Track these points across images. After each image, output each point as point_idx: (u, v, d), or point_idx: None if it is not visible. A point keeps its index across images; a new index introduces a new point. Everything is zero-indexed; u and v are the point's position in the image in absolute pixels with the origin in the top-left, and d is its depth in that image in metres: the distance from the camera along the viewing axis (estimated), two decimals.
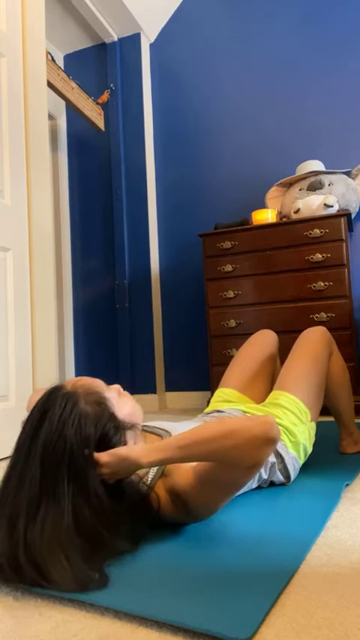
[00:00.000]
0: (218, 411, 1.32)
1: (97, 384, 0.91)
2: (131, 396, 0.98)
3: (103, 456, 0.81)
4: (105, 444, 0.83)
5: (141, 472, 0.93)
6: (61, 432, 0.80)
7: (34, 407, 0.85)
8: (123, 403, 0.93)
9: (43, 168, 2.11)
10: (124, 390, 0.98)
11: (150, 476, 0.93)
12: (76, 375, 3.31)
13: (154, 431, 1.08)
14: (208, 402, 1.75)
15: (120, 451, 0.81)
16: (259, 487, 1.20)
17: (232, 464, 0.81)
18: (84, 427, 0.81)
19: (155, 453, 0.80)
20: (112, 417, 0.87)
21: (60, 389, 0.87)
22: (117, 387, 0.96)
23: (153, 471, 0.93)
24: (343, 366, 1.43)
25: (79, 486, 0.79)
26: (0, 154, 1.89)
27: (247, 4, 3.07)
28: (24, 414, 1.51)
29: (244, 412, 1.28)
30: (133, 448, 0.81)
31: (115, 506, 0.82)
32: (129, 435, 0.90)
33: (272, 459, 1.17)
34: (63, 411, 0.82)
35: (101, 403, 0.87)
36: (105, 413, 0.86)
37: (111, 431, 0.85)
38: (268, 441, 0.79)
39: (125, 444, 0.88)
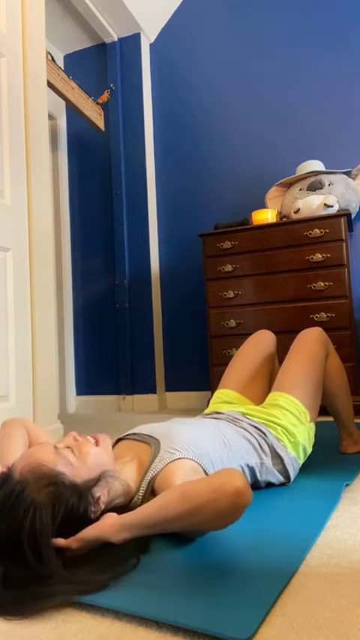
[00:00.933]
0: (218, 413, 1.32)
1: (46, 458, 0.85)
2: (88, 440, 0.93)
3: (72, 544, 0.79)
4: (75, 516, 0.82)
5: (130, 492, 0.94)
6: (17, 531, 0.76)
7: None
8: (83, 459, 0.88)
9: (43, 168, 2.11)
10: (79, 436, 0.93)
11: (140, 494, 0.94)
12: (76, 376, 3.31)
13: (143, 439, 1.07)
14: (208, 402, 1.75)
15: (88, 535, 0.80)
16: (258, 487, 1.20)
17: (206, 530, 0.82)
18: (39, 519, 0.77)
19: (124, 531, 0.79)
20: (72, 488, 0.83)
21: (7, 480, 0.82)
22: (70, 438, 0.92)
23: (143, 488, 0.94)
24: (340, 367, 1.43)
25: (41, 562, 0.76)
26: (0, 154, 1.89)
27: (247, 4, 3.06)
28: (24, 414, 1.50)
29: (244, 414, 1.28)
30: (101, 528, 0.80)
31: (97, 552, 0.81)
32: (98, 489, 0.87)
33: (268, 461, 1.17)
34: (13, 506, 0.78)
35: (55, 482, 0.82)
36: (62, 491, 0.82)
37: (75, 504, 0.82)
38: (239, 510, 0.75)
39: (98, 499, 0.86)
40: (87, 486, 0.85)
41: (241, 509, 0.75)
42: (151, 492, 0.94)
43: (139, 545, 0.83)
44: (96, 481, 0.87)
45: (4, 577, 0.73)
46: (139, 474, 0.98)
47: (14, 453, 1.01)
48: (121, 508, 0.91)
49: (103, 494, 0.87)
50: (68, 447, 0.89)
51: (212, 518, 0.76)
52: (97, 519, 0.85)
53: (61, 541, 0.79)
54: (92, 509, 0.85)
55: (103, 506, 0.87)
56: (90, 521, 0.84)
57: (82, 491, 0.84)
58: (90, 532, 0.80)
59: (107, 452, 0.94)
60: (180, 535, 0.90)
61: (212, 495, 0.74)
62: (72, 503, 0.82)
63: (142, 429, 1.13)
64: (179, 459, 0.96)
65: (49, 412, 2.04)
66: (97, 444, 0.94)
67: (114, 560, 0.79)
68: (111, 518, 0.82)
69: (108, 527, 0.80)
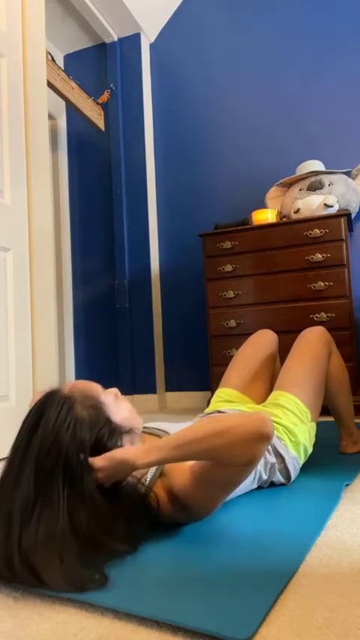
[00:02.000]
0: (218, 412, 1.31)
1: (94, 387, 0.91)
2: (128, 401, 0.98)
3: (98, 461, 0.81)
4: (100, 448, 0.84)
5: (138, 473, 0.93)
6: (55, 436, 0.80)
7: (30, 410, 0.85)
8: (120, 407, 0.92)
9: (43, 168, 2.11)
10: (121, 394, 0.98)
11: (148, 476, 0.93)
12: (76, 376, 3.31)
13: (153, 432, 1.08)
14: (208, 402, 1.75)
15: (115, 454, 0.81)
16: (259, 487, 1.20)
17: (228, 461, 0.82)
18: (79, 432, 0.81)
19: (151, 453, 0.80)
20: (108, 421, 0.87)
21: (56, 392, 0.86)
22: (114, 390, 0.97)
23: (151, 471, 0.93)
24: (342, 366, 1.43)
25: (74, 491, 0.79)
26: (0, 154, 1.89)
27: (247, 4, 3.06)
28: (24, 414, 1.51)
29: None
30: (129, 450, 0.82)
31: (112, 509, 0.82)
32: (125, 439, 0.90)
33: (272, 459, 1.17)
34: (58, 415, 0.82)
35: (97, 407, 0.87)
36: (101, 417, 0.86)
37: (106, 435, 0.85)
38: (262, 438, 0.79)
39: (121, 447, 0.88)
40: (119, 429, 0.89)
41: (265, 437, 0.79)
42: (160, 474, 0.93)
43: (132, 536, 0.83)
44: (127, 430, 0.90)
45: (70, 521, 0.76)
46: None
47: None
48: (129, 485, 0.90)
49: (127, 445, 0.89)
50: (112, 393, 0.94)
51: (237, 443, 0.78)
52: None
53: (90, 458, 0.81)
54: None
55: None
56: None
57: (116, 429, 0.87)
58: (117, 452, 0.82)
59: (138, 418, 0.98)
60: (180, 535, 0.90)
61: (241, 419, 0.80)
62: (103, 433, 0.85)
63: (150, 424, 1.14)
64: None
65: None
66: None
67: (106, 552, 0.80)
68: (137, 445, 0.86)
69: (135, 449, 0.82)
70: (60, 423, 0.81)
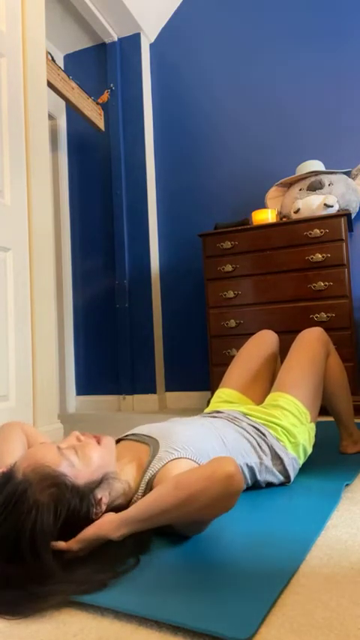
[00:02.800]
0: (218, 412, 1.31)
1: (49, 458, 0.85)
2: (92, 440, 0.93)
3: (73, 545, 0.79)
4: (76, 517, 0.82)
5: (130, 493, 0.94)
6: (18, 531, 0.76)
7: None
8: (86, 459, 0.88)
9: (43, 168, 2.11)
10: (82, 435, 0.93)
11: (139, 494, 0.94)
12: (76, 376, 3.31)
13: (142, 439, 1.06)
14: (208, 402, 1.75)
15: (88, 535, 0.80)
16: (258, 487, 1.20)
17: (201, 520, 0.83)
18: (40, 520, 0.77)
19: (122, 527, 0.80)
20: (74, 490, 0.83)
21: (10, 479, 0.81)
22: (73, 439, 0.92)
23: (142, 488, 0.94)
24: (340, 367, 1.43)
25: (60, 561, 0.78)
26: (0, 154, 1.89)
27: (247, 4, 3.06)
28: (24, 414, 1.50)
29: (244, 414, 1.28)
30: (100, 527, 0.80)
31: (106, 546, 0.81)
32: (100, 490, 0.87)
33: (267, 460, 1.17)
34: (15, 506, 0.77)
35: (57, 483, 0.82)
36: (65, 493, 0.81)
37: (77, 505, 0.82)
38: (232, 496, 0.77)
39: (99, 501, 0.86)
40: (89, 488, 0.85)
41: (234, 494, 0.77)
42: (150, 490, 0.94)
43: (138, 545, 0.83)
44: (98, 483, 0.87)
45: (2, 576, 0.73)
46: (139, 474, 0.98)
47: (13, 456, 1.01)
48: (121, 508, 0.91)
49: (104, 495, 0.88)
50: (71, 448, 0.89)
51: (207, 506, 0.77)
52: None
53: (61, 544, 0.79)
54: (94, 510, 0.85)
55: (104, 508, 0.87)
56: (91, 523, 0.84)
57: (85, 493, 0.84)
58: (89, 531, 0.80)
59: (110, 452, 0.94)
60: (179, 534, 0.90)
61: (205, 483, 0.76)
62: (74, 504, 0.82)
63: (141, 429, 1.12)
64: (177, 458, 0.96)
65: (49, 412, 2.04)
66: (99, 443, 0.93)
67: (113, 560, 0.79)
68: (109, 516, 0.83)
69: (107, 524, 0.80)
70: (19, 516, 0.77)
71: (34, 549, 0.75)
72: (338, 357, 1.44)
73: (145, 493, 0.94)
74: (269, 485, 1.21)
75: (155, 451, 0.99)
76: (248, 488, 1.19)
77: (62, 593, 0.71)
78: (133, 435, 1.11)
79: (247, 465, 1.13)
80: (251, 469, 1.15)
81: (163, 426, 1.13)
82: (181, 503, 0.77)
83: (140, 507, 0.80)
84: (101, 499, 0.86)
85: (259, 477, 1.16)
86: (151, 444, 1.03)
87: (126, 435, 1.13)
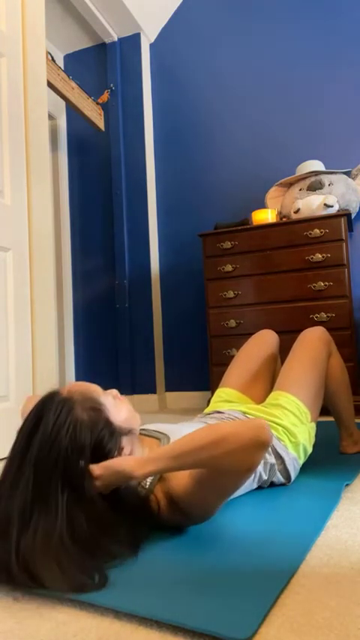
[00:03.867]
0: (218, 412, 1.31)
1: (94, 389, 0.91)
2: (128, 402, 0.97)
3: (96, 469, 0.80)
4: (100, 450, 0.83)
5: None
6: (55, 439, 0.79)
7: (30, 412, 0.85)
8: (119, 409, 0.92)
9: (43, 168, 2.11)
10: (120, 394, 0.98)
11: (148, 479, 0.93)
12: (76, 376, 3.31)
13: (152, 434, 1.07)
14: (209, 402, 1.75)
15: (113, 464, 0.80)
16: (259, 487, 1.20)
17: (227, 469, 0.82)
18: (79, 435, 0.81)
19: (148, 464, 0.80)
20: (108, 423, 0.86)
21: (56, 395, 0.86)
22: (113, 392, 0.96)
23: (150, 477, 0.93)
24: (342, 367, 1.43)
25: (73, 494, 0.78)
26: (0, 153, 1.89)
27: (247, 3, 3.06)
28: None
29: (245, 413, 1.28)
30: (126, 460, 0.81)
31: (112, 512, 0.81)
32: (125, 440, 0.89)
33: (272, 460, 1.17)
34: (58, 417, 0.81)
35: (97, 409, 0.86)
36: (100, 419, 0.85)
37: (106, 437, 0.84)
38: (260, 446, 0.79)
39: (121, 450, 0.87)
40: (119, 431, 0.88)
41: (263, 444, 0.79)
42: (160, 477, 0.93)
43: (134, 537, 0.83)
44: (127, 432, 0.90)
45: (69, 525, 0.75)
46: None
47: None
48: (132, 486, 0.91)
49: (126, 447, 0.89)
50: (111, 395, 0.93)
51: (235, 451, 0.78)
52: None
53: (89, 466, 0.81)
54: (114, 455, 0.86)
55: None
56: None
57: (115, 432, 0.87)
58: (115, 461, 0.81)
59: (137, 419, 0.97)
60: (180, 535, 0.90)
61: (237, 428, 0.79)
62: (103, 436, 0.84)
63: (149, 426, 1.14)
64: None
65: None
66: None
67: (108, 552, 0.79)
68: (133, 456, 0.84)
69: (133, 459, 0.81)
70: (59, 425, 0.80)
71: (67, 463, 0.78)
72: (340, 357, 1.44)
73: (154, 479, 0.93)
74: (269, 485, 1.21)
75: (167, 443, 1.00)
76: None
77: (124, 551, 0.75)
78: (142, 429, 1.11)
79: None
80: (256, 470, 1.14)
81: (169, 424, 1.14)
82: (213, 443, 0.78)
83: (171, 446, 0.82)
84: (123, 449, 0.88)
85: (264, 477, 1.16)
86: (162, 438, 1.04)
87: None
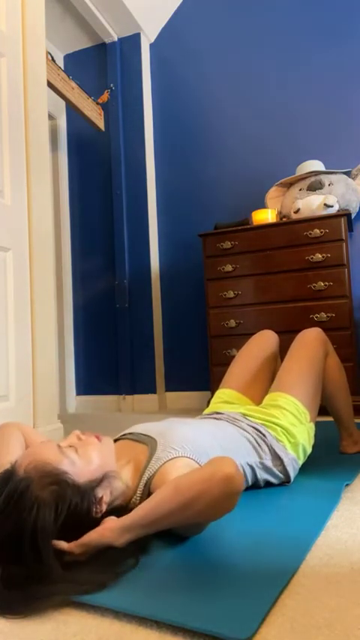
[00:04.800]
0: (218, 413, 1.31)
1: (50, 455, 0.85)
2: (93, 439, 0.93)
3: (74, 549, 0.79)
4: (78, 515, 0.82)
5: (128, 493, 0.94)
6: (19, 528, 0.76)
7: None
8: (86, 458, 0.89)
9: (43, 168, 2.11)
10: (83, 434, 0.94)
11: (138, 494, 0.94)
12: (76, 376, 3.31)
13: (140, 438, 1.06)
14: (208, 402, 1.75)
15: (91, 541, 0.79)
16: (258, 487, 1.20)
17: (203, 522, 0.83)
18: (42, 518, 0.77)
19: (126, 533, 0.79)
20: (75, 488, 0.83)
21: (11, 477, 0.82)
22: (73, 439, 0.92)
23: (140, 489, 0.94)
24: (339, 367, 1.43)
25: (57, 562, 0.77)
26: (0, 153, 1.89)
27: (247, 3, 3.06)
28: (24, 415, 1.49)
29: (244, 415, 1.28)
30: (104, 534, 0.79)
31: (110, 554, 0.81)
32: (100, 489, 0.87)
33: (268, 460, 1.17)
34: (17, 503, 0.78)
35: (58, 481, 0.82)
36: (66, 490, 0.82)
37: (79, 502, 0.82)
38: (233, 495, 0.76)
39: (100, 499, 0.86)
40: (90, 486, 0.85)
41: (234, 495, 0.76)
42: (149, 493, 0.94)
43: (138, 546, 0.83)
44: (99, 481, 0.87)
45: (2, 576, 0.73)
46: (137, 475, 0.97)
47: (12, 455, 1.01)
48: (120, 509, 0.91)
49: (105, 494, 0.87)
50: (72, 447, 0.90)
51: (207, 508, 0.77)
52: (98, 519, 0.84)
53: (63, 544, 0.79)
54: (95, 509, 0.85)
55: (105, 507, 0.87)
56: (92, 521, 0.83)
57: (86, 491, 0.84)
58: (92, 537, 0.80)
59: (110, 452, 0.95)
60: (179, 535, 0.90)
61: (204, 485, 0.76)
62: (75, 502, 0.82)
63: (138, 428, 1.12)
64: (175, 457, 0.96)
65: (49, 412, 2.04)
66: (99, 442, 0.94)
67: (113, 561, 0.79)
68: (111, 522, 0.82)
69: (109, 531, 0.80)
70: (20, 513, 0.77)
71: (34, 547, 0.75)
72: (337, 357, 1.44)
73: (143, 493, 0.94)
74: (269, 485, 1.21)
75: (153, 451, 0.99)
76: (248, 488, 1.19)
77: (62, 594, 0.71)
78: (130, 434, 1.10)
79: (248, 463, 1.13)
80: (251, 468, 1.15)
81: (160, 424, 1.12)
82: (182, 507, 0.77)
83: (141, 513, 0.80)
84: (102, 498, 0.86)
85: (259, 476, 1.16)
86: (149, 443, 1.03)
87: (123, 434, 1.12)
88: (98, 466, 0.89)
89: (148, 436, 1.06)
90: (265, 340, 1.53)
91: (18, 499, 0.78)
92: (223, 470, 0.76)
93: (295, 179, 2.66)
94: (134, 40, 3.23)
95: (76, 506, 0.81)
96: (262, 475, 1.17)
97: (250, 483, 1.17)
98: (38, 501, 0.78)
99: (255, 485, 1.19)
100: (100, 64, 3.35)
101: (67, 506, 0.80)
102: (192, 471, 0.81)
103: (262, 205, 2.91)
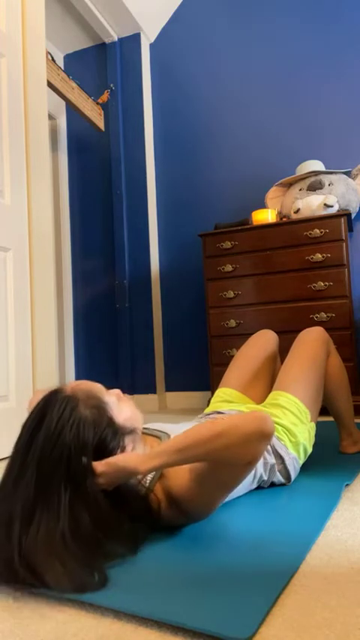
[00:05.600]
0: (218, 412, 1.31)
1: (97, 387, 0.91)
2: (131, 401, 0.97)
3: (99, 466, 0.80)
4: (103, 448, 0.83)
5: (140, 477, 0.94)
6: (58, 436, 0.79)
7: (33, 409, 0.85)
8: (122, 408, 0.92)
9: (43, 168, 2.11)
10: (123, 393, 0.98)
11: (148, 478, 0.93)
12: (76, 376, 3.31)
13: (154, 433, 1.07)
14: (209, 402, 1.75)
15: (117, 461, 0.80)
16: (259, 487, 1.20)
17: (229, 462, 0.82)
18: (82, 432, 0.81)
19: (152, 459, 0.80)
20: (111, 421, 0.86)
21: (59, 392, 0.86)
22: (117, 391, 0.96)
23: (150, 474, 0.93)
24: (341, 366, 1.43)
25: (75, 492, 0.78)
26: (0, 153, 1.89)
27: (248, 3, 3.06)
28: (24, 414, 1.50)
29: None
30: (130, 456, 0.81)
31: (114, 511, 0.81)
32: (128, 439, 0.89)
33: (272, 460, 1.17)
34: (62, 415, 0.81)
35: (100, 407, 0.86)
36: (104, 418, 0.85)
37: (109, 436, 0.84)
38: (263, 436, 0.79)
39: (124, 448, 0.87)
40: (122, 430, 0.88)
41: (266, 436, 0.79)
42: (160, 475, 0.93)
43: (134, 536, 0.83)
44: (129, 430, 0.90)
45: (71, 523, 0.75)
46: None
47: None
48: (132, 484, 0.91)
49: (129, 446, 0.89)
50: (114, 394, 0.94)
51: (238, 443, 0.79)
52: None
53: (92, 463, 0.81)
54: (118, 452, 0.86)
55: None
56: None
57: (118, 431, 0.87)
58: (118, 457, 0.81)
59: (141, 417, 0.97)
60: (180, 535, 0.90)
61: (240, 420, 0.80)
62: (106, 433, 0.84)
63: (151, 425, 1.14)
64: None
65: None
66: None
67: (109, 550, 0.79)
68: (136, 452, 0.85)
69: (136, 455, 0.81)
70: (63, 423, 0.81)
71: (70, 460, 0.78)
72: (339, 356, 1.44)
73: (155, 475, 0.93)
74: (269, 485, 1.21)
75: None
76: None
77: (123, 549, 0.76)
78: (144, 428, 1.11)
79: None
80: (256, 470, 1.14)
81: (170, 424, 1.14)
82: (216, 435, 0.78)
83: (174, 439, 0.81)
84: (126, 447, 0.88)
85: (264, 477, 1.16)
86: (162, 436, 1.05)
87: None
88: (131, 418, 0.92)
89: (162, 431, 1.08)
90: (264, 340, 1.53)
91: (63, 410, 0.82)
92: (258, 413, 0.81)
93: (295, 179, 2.66)
94: (134, 40, 3.23)
95: (106, 437, 0.84)
96: (266, 475, 1.17)
97: (254, 484, 1.16)
98: (80, 416, 0.82)
99: (257, 487, 1.19)
100: (100, 64, 3.35)
101: (100, 432, 0.83)
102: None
103: (262, 205, 2.91)
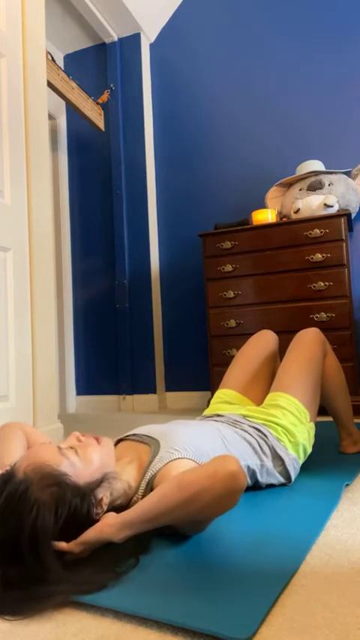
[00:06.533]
0: (218, 415, 1.31)
1: (49, 457, 0.85)
2: (91, 439, 0.93)
3: (74, 548, 0.79)
4: (79, 516, 0.81)
5: (130, 492, 0.94)
6: (19, 530, 0.76)
7: None
8: (86, 459, 0.88)
9: (43, 168, 2.11)
10: (82, 434, 0.93)
11: (140, 493, 0.94)
12: (76, 376, 3.31)
13: (143, 440, 1.06)
14: (208, 402, 1.75)
15: (90, 537, 0.79)
16: (258, 488, 1.20)
17: (204, 519, 0.83)
18: (41, 519, 0.77)
19: (126, 529, 0.79)
20: (75, 490, 0.82)
21: (10, 479, 0.81)
22: (73, 440, 0.92)
23: (142, 488, 0.94)
24: (337, 367, 1.43)
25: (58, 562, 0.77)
26: (0, 153, 1.89)
27: (247, 4, 3.06)
28: (24, 414, 1.49)
29: (244, 416, 1.28)
30: (102, 529, 0.79)
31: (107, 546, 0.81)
32: (100, 490, 0.87)
33: (269, 463, 1.17)
34: (16, 505, 0.77)
35: (58, 483, 0.82)
36: (66, 492, 0.81)
37: (78, 504, 0.82)
38: (235, 493, 0.77)
39: (100, 500, 0.86)
40: (90, 488, 0.85)
41: (237, 492, 0.77)
42: (151, 490, 0.94)
43: (138, 545, 0.83)
44: (99, 482, 0.87)
45: (2, 577, 0.73)
46: (139, 474, 0.98)
47: (13, 456, 1.01)
48: (121, 508, 0.91)
49: (105, 495, 0.87)
50: (71, 448, 0.89)
51: (210, 505, 0.77)
52: (98, 521, 0.84)
53: (62, 544, 0.78)
54: (95, 510, 0.85)
55: (105, 508, 0.87)
56: (93, 522, 0.83)
57: (86, 493, 0.84)
58: (91, 534, 0.80)
59: (110, 453, 0.94)
60: (179, 534, 0.90)
61: (208, 481, 0.76)
62: (75, 504, 0.81)
63: (141, 429, 1.12)
64: (178, 458, 0.96)
65: (49, 412, 2.04)
66: (99, 443, 0.94)
67: (113, 560, 0.79)
68: (110, 517, 0.82)
69: (108, 527, 0.80)
70: (20, 514, 0.76)
71: (34, 549, 0.75)
72: (335, 357, 1.44)
73: (145, 493, 0.94)
74: (269, 485, 1.21)
75: (156, 451, 0.99)
76: (248, 489, 1.19)
77: (62, 593, 0.71)
78: (133, 435, 1.11)
79: (249, 467, 1.13)
80: (252, 471, 1.15)
81: (163, 426, 1.13)
82: (185, 503, 0.77)
83: (143, 508, 0.80)
84: (102, 499, 0.86)
85: (259, 479, 1.16)
86: (152, 444, 1.03)
87: (126, 436, 1.13)
88: (98, 467, 0.89)
89: (151, 437, 1.06)
90: (264, 340, 1.53)
91: (17, 501, 0.77)
92: (227, 467, 0.77)
93: (295, 179, 2.66)
94: (134, 40, 3.23)
95: (75, 507, 0.81)
96: (262, 478, 1.17)
97: (250, 484, 1.17)
98: (38, 503, 0.78)
99: (255, 486, 1.19)
100: (100, 64, 3.35)
101: (67, 507, 0.80)
102: (195, 468, 0.81)
103: (262, 205, 2.91)
